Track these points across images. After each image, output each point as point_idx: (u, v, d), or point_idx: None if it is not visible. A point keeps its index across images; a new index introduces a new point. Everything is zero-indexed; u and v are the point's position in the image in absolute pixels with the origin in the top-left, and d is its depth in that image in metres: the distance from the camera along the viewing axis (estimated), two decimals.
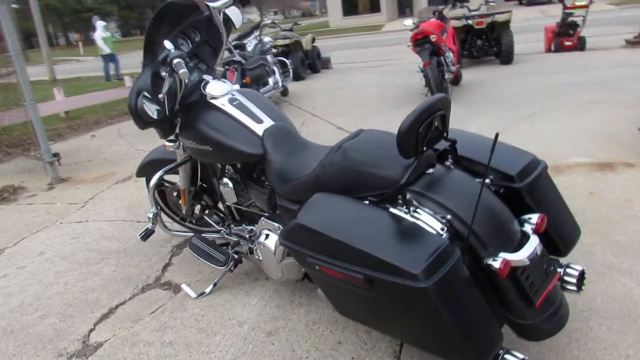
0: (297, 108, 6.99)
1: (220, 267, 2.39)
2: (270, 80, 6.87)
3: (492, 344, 1.45)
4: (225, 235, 2.53)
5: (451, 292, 1.40)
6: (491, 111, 5.43)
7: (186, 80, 2.12)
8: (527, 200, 1.71)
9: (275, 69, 7.25)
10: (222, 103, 2.26)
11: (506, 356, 1.49)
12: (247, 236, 2.39)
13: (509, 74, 7.53)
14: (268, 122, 2.23)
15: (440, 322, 1.38)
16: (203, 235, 2.56)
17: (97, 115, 7.81)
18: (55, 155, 4.65)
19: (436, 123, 1.58)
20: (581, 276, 1.74)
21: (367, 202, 1.69)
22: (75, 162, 5.29)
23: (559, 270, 1.75)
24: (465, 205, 1.58)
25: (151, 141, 6.02)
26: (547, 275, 1.60)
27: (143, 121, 2.12)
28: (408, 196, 1.62)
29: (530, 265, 1.53)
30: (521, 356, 1.48)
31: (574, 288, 1.74)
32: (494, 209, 1.62)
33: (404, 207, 1.61)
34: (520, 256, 1.51)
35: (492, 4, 8.70)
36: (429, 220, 1.58)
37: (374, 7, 28.91)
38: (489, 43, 8.62)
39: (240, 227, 2.46)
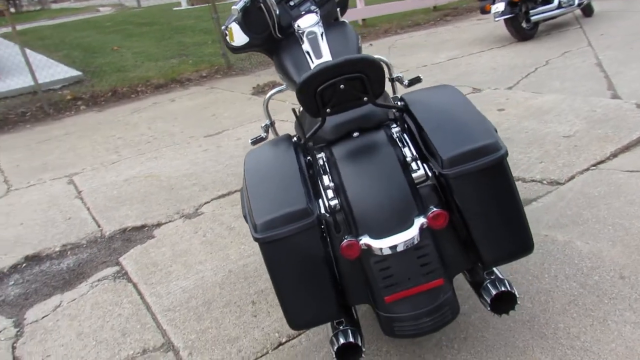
0: (581, 34, 5.91)
1: None
2: None
3: (312, 317, 1.44)
4: None
5: (285, 253, 1.43)
6: None
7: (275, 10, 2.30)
8: (454, 192, 1.43)
9: None
10: (301, 36, 2.44)
11: (338, 334, 1.45)
12: None
13: None
14: (326, 58, 2.32)
15: (270, 276, 1.47)
16: None
17: (390, 24, 8.37)
18: None
19: (342, 86, 1.48)
20: (500, 297, 1.42)
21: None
22: None
23: (487, 281, 1.47)
24: (360, 179, 1.49)
25: (407, 55, 6.29)
26: (423, 276, 1.40)
27: (227, 47, 2.53)
28: (320, 155, 1.62)
29: (391, 257, 1.39)
30: (352, 340, 1.43)
31: (488, 308, 1.45)
32: (387, 189, 1.46)
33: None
34: (375, 244, 1.39)
35: None
36: (327, 183, 1.56)
37: None
38: None
39: None
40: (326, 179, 1.57)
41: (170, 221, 2.88)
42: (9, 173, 4.12)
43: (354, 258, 1.41)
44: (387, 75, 2.91)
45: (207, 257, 2.45)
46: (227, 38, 2.48)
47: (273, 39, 2.57)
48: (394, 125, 1.64)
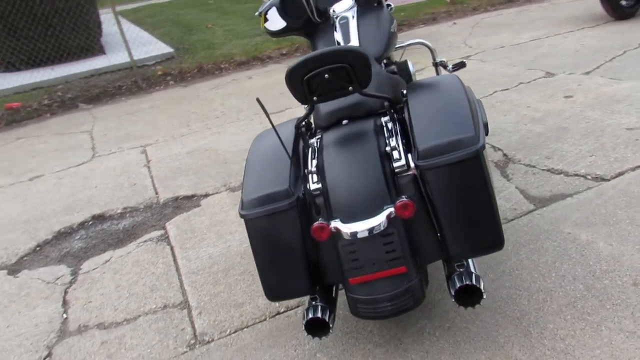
0: None
1: None
2: None
3: (286, 290, 1.55)
4: None
5: (265, 230, 1.55)
6: None
7: None
8: (427, 184, 1.45)
9: None
10: (334, 20, 2.49)
11: (309, 309, 1.55)
12: None
13: None
14: (354, 44, 2.35)
15: (252, 250, 1.60)
16: None
17: (480, 1, 7.97)
18: None
19: (327, 76, 1.54)
20: (466, 290, 1.43)
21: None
22: None
23: (455, 272, 1.49)
24: (338, 165, 1.56)
25: (488, 35, 6.03)
26: (386, 262, 1.44)
27: (266, 31, 2.64)
28: (312, 140, 1.71)
29: (358, 241, 1.45)
30: (319, 315, 1.52)
31: (453, 300, 1.46)
32: (361, 176, 1.51)
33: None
34: (344, 228, 1.46)
35: None
36: (312, 167, 1.64)
37: None
38: None
39: None
40: (313, 163, 1.65)
41: (216, 192, 3.11)
42: (98, 141, 4.63)
43: (324, 239, 1.49)
44: (431, 59, 2.88)
45: (238, 228, 2.63)
46: (263, 23, 2.60)
47: (312, 23, 2.65)
48: (385, 115, 1.67)
